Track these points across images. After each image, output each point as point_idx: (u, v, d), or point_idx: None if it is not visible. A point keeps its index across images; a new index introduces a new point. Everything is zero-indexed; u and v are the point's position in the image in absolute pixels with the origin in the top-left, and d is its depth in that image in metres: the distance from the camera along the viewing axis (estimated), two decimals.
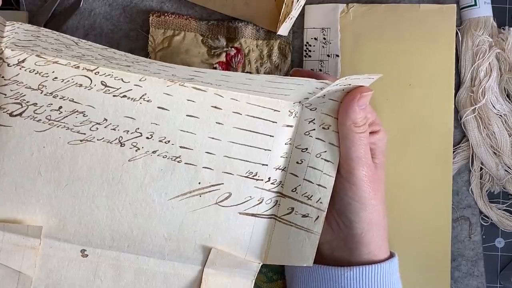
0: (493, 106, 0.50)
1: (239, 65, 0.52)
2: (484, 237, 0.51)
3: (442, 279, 0.50)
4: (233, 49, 0.51)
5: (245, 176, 0.43)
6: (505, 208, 0.51)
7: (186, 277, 0.44)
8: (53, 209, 0.43)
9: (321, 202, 0.43)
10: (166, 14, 0.52)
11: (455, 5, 0.51)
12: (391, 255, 0.45)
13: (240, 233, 0.44)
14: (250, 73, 0.51)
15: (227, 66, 0.52)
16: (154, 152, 0.43)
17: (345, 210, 0.43)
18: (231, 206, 0.44)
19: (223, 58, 0.51)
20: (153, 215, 0.43)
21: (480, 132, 0.50)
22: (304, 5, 0.51)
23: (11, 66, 0.41)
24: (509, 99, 0.51)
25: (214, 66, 0.51)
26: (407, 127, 0.51)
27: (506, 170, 0.50)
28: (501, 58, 0.51)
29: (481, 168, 0.51)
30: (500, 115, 0.50)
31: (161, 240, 0.44)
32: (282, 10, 0.48)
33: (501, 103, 0.50)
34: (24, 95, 0.41)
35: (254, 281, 0.45)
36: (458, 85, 0.51)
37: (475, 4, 0.51)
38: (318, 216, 0.43)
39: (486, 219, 0.51)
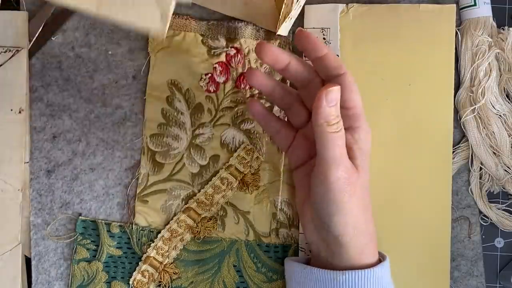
0: (493, 106, 0.50)
1: (239, 65, 0.52)
2: (483, 237, 0.51)
3: (442, 279, 0.50)
4: (233, 49, 0.52)
5: None
6: (504, 208, 0.51)
7: None
8: None
9: None
10: None
11: (455, 5, 0.51)
12: (382, 258, 0.45)
13: None
14: None
15: (227, 66, 0.52)
16: None
17: (320, 213, 0.42)
18: None
19: (223, 58, 0.52)
20: None
21: (480, 132, 0.50)
22: (304, 5, 0.51)
23: None
24: (509, 99, 0.51)
25: (214, 66, 0.51)
26: (407, 127, 0.51)
27: (505, 170, 0.50)
28: (500, 58, 0.51)
29: (481, 168, 0.51)
30: (500, 115, 0.51)
31: None
32: (282, 10, 0.48)
33: (501, 103, 0.51)
34: None
35: None
36: (457, 85, 0.51)
37: (475, 4, 0.51)
38: None
39: (486, 219, 0.51)
